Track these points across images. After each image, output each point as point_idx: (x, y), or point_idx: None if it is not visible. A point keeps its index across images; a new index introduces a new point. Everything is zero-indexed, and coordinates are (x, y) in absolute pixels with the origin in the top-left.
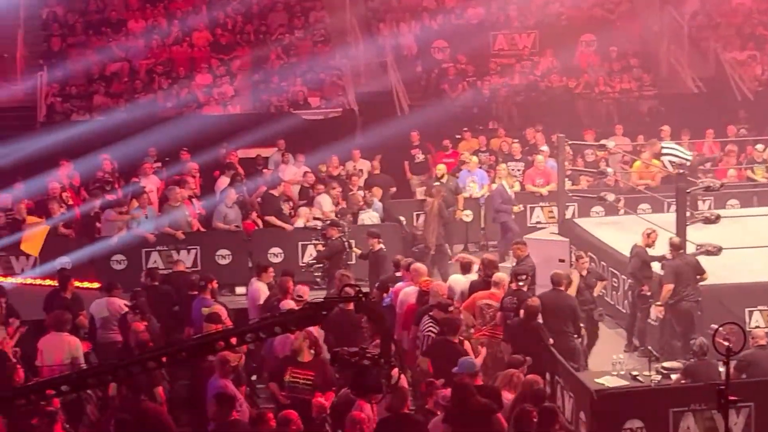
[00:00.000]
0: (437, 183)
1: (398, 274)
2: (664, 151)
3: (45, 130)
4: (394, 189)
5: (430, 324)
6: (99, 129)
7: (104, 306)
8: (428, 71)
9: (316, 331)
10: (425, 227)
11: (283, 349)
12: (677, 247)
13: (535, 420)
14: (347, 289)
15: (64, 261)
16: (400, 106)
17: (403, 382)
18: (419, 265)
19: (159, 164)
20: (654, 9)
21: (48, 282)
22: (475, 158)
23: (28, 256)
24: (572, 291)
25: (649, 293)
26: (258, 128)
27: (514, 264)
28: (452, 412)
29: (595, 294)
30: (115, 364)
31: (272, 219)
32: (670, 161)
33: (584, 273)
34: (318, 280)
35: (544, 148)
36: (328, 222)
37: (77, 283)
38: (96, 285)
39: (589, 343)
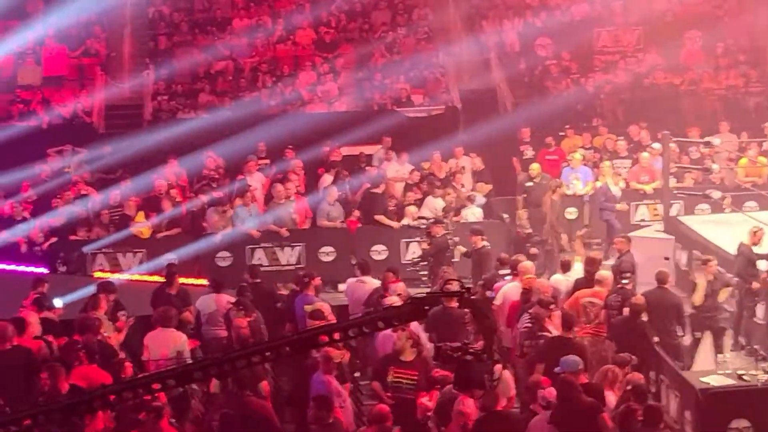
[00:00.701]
0: (529, 183)
1: (502, 271)
2: None
3: (151, 128)
4: None
5: (528, 321)
6: (204, 127)
7: (212, 301)
8: (531, 68)
9: (418, 330)
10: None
11: (384, 347)
12: None
13: (640, 419)
14: (450, 285)
15: (170, 258)
16: (503, 104)
17: (508, 378)
18: (526, 263)
19: (265, 161)
20: (763, 4)
21: (155, 278)
22: (578, 155)
23: (135, 252)
24: (698, 297)
25: (757, 290)
26: (361, 126)
27: (616, 259)
28: (558, 412)
29: (720, 300)
30: (220, 358)
31: (382, 218)
32: None
33: (711, 278)
34: (423, 277)
35: (656, 145)
36: (432, 220)
37: (183, 280)
38: (202, 281)
39: (717, 350)
